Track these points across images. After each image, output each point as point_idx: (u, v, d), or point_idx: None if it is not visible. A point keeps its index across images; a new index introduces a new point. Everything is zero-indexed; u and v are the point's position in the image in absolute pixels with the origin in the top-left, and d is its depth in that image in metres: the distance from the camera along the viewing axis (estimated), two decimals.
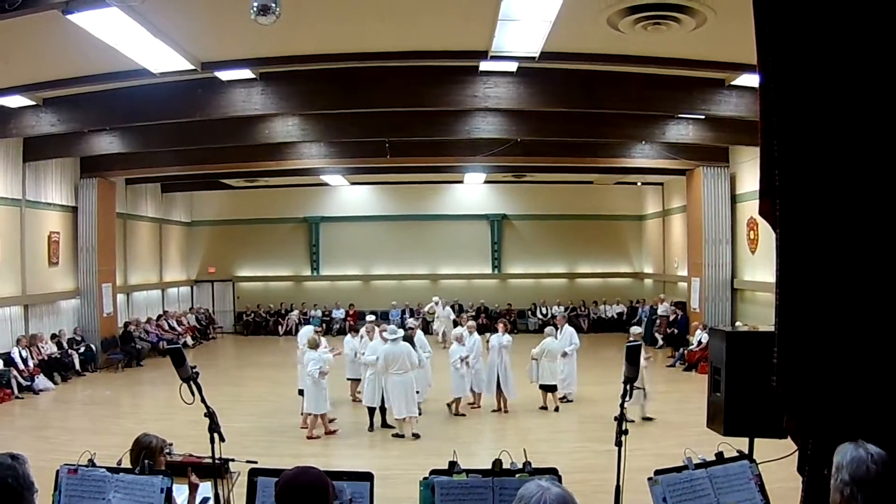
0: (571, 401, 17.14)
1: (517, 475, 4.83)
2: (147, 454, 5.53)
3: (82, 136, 19.68)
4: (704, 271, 23.59)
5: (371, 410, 14.93)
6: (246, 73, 14.99)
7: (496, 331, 17.18)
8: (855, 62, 4.65)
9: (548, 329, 17.96)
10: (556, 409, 16.60)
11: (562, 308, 31.80)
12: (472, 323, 17.71)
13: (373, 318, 18.20)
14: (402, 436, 14.14)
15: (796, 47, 4.76)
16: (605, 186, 33.03)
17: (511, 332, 19.91)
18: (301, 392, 15.25)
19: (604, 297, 33.97)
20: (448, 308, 29.89)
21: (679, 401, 16.12)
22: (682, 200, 27.53)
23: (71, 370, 21.61)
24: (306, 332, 17.01)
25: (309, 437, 14.18)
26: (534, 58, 13.45)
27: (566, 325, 17.94)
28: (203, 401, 5.41)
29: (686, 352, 22.68)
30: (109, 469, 5.09)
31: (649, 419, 14.77)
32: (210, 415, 5.35)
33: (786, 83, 4.79)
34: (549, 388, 16.75)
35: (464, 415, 15.89)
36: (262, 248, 34.34)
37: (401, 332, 15.10)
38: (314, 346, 14.71)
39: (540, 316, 32.19)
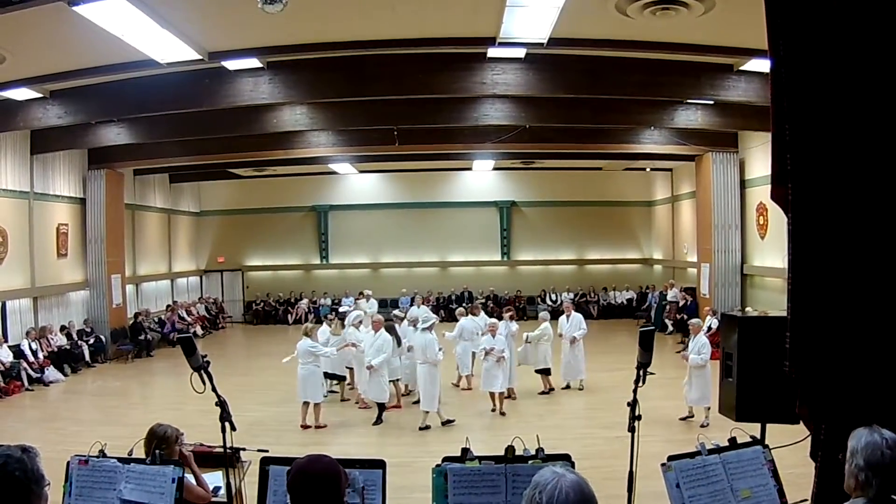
0: (581, 388, 17.10)
1: (530, 462, 4.83)
2: (160, 444, 5.54)
3: (89, 127, 19.69)
4: (714, 257, 23.55)
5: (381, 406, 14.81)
6: (253, 63, 14.96)
7: (501, 318, 17.20)
8: (867, 45, 4.62)
9: (542, 314, 17.98)
10: (547, 392, 16.89)
11: (570, 295, 31.95)
12: (461, 310, 17.69)
13: (346, 309, 18.15)
14: (429, 427, 14.15)
15: (807, 31, 4.72)
16: (613, 172, 32.99)
17: (520, 318, 19.84)
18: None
19: (613, 284, 33.97)
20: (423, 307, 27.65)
21: None
22: (691, 186, 27.48)
23: (81, 361, 21.68)
24: (357, 315, 17.17)
25: (303, 427, 14.14)
26: (542, 44, 13.40)
27: (574, 312, 17.89)
28: (214, 390, 5.42)
29: None
30: (120, 459, 5.10)
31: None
32: (221, 404, 5.36)
33: (797, 67, 4.76)
34: (545, 372, 16.92)
35: (504, 414, 15.20)
36: (271, 237, 34.38)
37: (433, 320, 15.01)
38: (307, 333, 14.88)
39: (549, 302, 32.17)
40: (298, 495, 3.58)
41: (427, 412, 14.18)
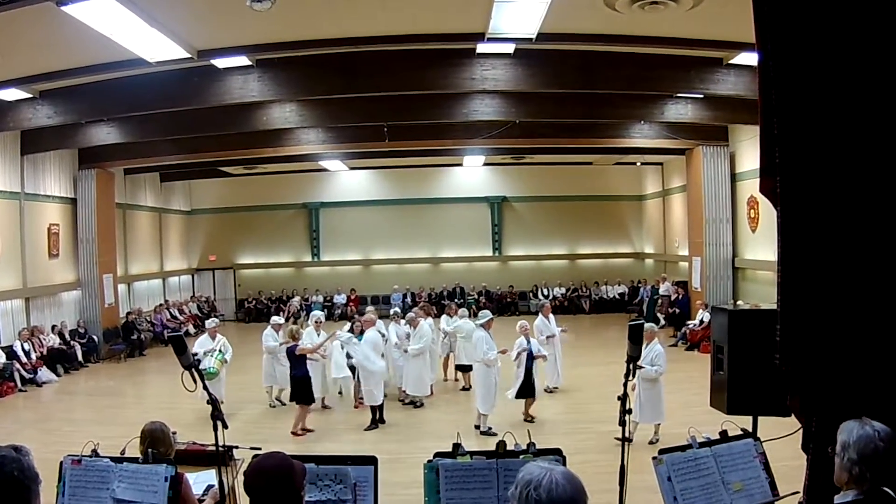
0: (552, 391, 16.72)
1: (521, 456, 4.84)
2: (153, 443, 5.55)
3: (79, 127, 19.65)
4: (705, 250, 23.60)
5: (374, 409, 14.20)
6: (242, 61, 14.95)
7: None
8: (854, 38, 4.63)
9: (461, 311, 17.93)
10: (469, 388, 16.66)
11: (560, 290, 32.08)
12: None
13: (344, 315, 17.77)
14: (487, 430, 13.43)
15: (795, 24, 4.73)
16: (604, 167, 33.03)
17: (512, 314, 19.64)
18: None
19: (605, 278, 33.98)
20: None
21: (682, 380, 16.07)
22: (681, 180, 27.51)
23: (74, 362, 21.63)
24: (315, 315, 16.69)
25: (294, 434, 13.56)
26: (531, 39, 13.40)
27: (551, 315, 17.30)
28: (205, 388, 5.41)
29: (688, 331, 22.70)
30: (113, 459, 5.10)
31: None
32: (212, 402, 5.35)
33: (785, 60, 4.77)
34: (464, 369, 16.92)
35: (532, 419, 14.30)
36: (263, 235, 34.39)
37: (488, 316, 14.30)
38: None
39: (542, 297, 32.13)
40: (256, 494, 3.61)
41: (485, 414, 13.53)
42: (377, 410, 14.17)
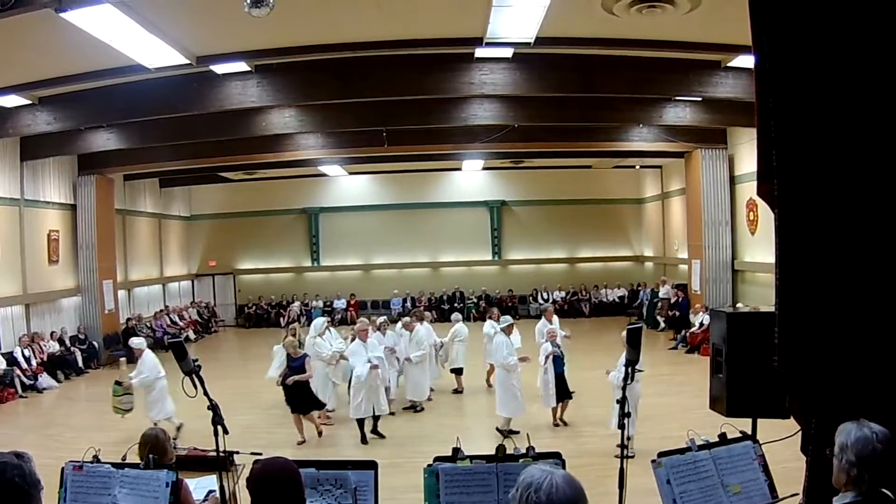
0: None
1: (521, 460, 4.84)
2: (153, 448, 5.56)
3: (79, 133, 19.66)
4: (704, 253, 23.59)
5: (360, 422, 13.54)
6: (241, 66, 14.96)
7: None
8: (849, 41, 4.65)
9: (454, 315, 18.12)
10: (461, 391, 16.96)
11: (560, 294, 32.12)
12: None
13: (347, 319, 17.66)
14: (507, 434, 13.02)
15: (791, 27, 4.75)
16: (603, 170, 33.01)
17: (512, 318, 19.48)
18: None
19: (605, 282, 33.98)
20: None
21: (681, 383, 16.09)
22: (681, 183, 27.51)
23: (74, 368, 21.62)
24: (322, 322, 16.46)
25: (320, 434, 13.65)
26: (529, 43, 13.42)
27: (555, 317, 17.03)
28: (206, 394, 5.41)
29: (688, 334, 22.69)
30: (114, 465, 5.10)
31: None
32: (213, 408, 5.35)
33: (781, 63, 4.79)
34: (459, 372, 17.06)
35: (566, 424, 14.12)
36: (262, 241, 34.39)
37: (508, 321, 14.37)
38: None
39: (541, 301, 32.06)
40: (262, 497, 3.63)
41: (508, 418, 13.40)
42: (363, 424, 13.55)
